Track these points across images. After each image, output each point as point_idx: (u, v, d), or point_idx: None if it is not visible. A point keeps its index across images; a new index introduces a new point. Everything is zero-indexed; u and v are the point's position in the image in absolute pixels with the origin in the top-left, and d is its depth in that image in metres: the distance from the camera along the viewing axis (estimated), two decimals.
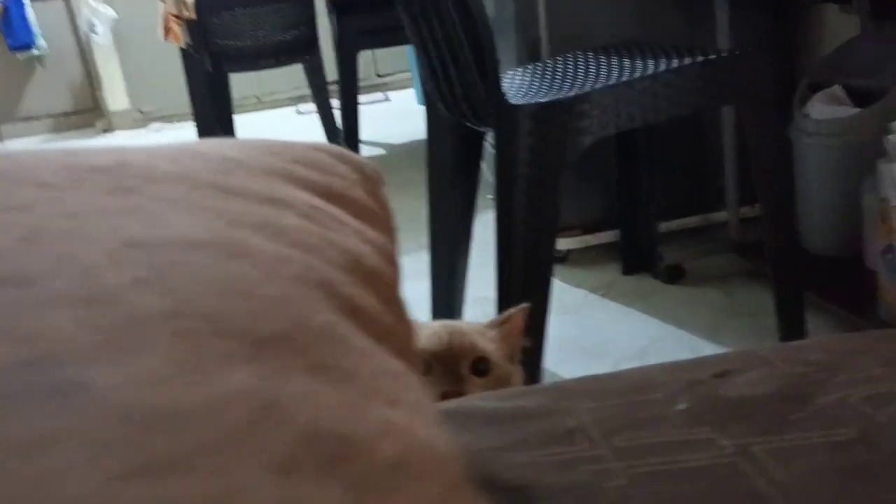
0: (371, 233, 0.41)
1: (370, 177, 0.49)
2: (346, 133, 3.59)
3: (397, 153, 3.74)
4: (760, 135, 1.64)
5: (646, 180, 2.26)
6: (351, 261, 0.36)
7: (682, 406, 0.54)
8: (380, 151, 3.78)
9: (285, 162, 0.42)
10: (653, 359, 1.89)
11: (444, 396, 0.89)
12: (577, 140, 1.55)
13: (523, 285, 1.66)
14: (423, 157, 2.09)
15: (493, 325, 1.00)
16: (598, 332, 2.06)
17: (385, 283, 0.38)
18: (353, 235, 0.38)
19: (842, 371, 0.56)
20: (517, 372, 1.00)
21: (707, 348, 1.92)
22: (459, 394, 0.89)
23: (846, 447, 0.49)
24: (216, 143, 0.43)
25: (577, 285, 2.26)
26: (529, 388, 0.62)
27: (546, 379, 1.71)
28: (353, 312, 0.33)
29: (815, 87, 2.03)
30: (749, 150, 1.67)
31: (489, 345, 0.95)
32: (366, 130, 3.72)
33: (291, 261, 0.32)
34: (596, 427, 0.53)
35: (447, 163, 2.04)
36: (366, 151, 3.70)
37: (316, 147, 0.47)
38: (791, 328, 1.79)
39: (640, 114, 1.57)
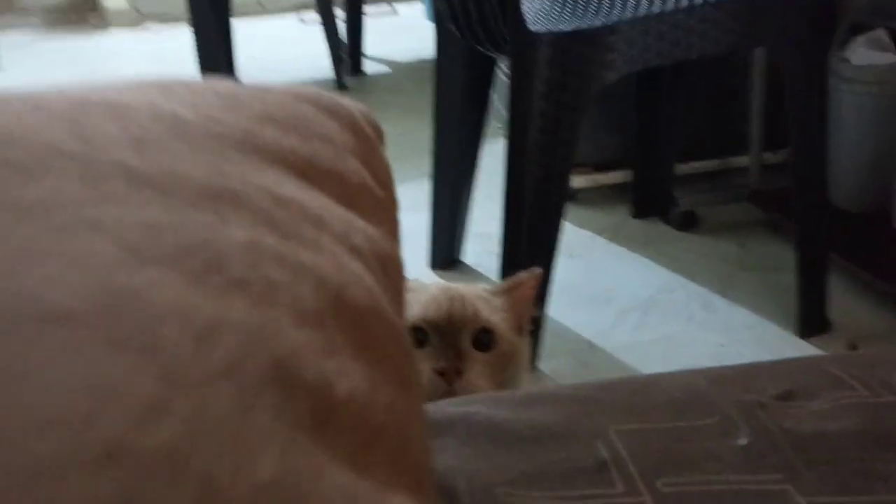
0: (365, 231, 0.29)
1: (367, 136, 0.37)
2: (349, 47, 3.42)
3: (403, 72, 3.56)
4: (798, 78, 1.51)
5: (666, 118, 2.12)
6: (331, 299, 0.24)
7: (742, 441, 0.44)
8: (384, 69, 3.60)
9: (252, 120, 0.30)
10: (659, 310, 1.80)
11: (441, 374, 0.79)
12: (600, 75, 1.41)
13: (531, 228, 1.54)
14: (428, 77, 1.94)
15: (499, 291, 0.88)
16: (603, 277, 1.95)
17: (380, 318, 0.27)
18: (336, 246, 0.27)
19: None
20: (524, 345, 0.88)
21: (717, 303, 1.82)
22: (458, 371, 0.79)
23: None
24: (157, 88, 0.30)
25: (584, 227, 2.15)
26: (546, 394, 0.51)
27: (547, 327, 1.62)
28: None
29: (856, 30, 1.88)
30: (786, 94, 1.54)
31: (494, 314, 0.84)
32: (371, 45, 3.54)
33: (222, 331, 0.20)
34: (633, 461, 0.43)
35: (456, 88, 1.89)
36: (370, 68, 3.53)
37: (297, 94, 0.35)
38: (811, 289, 1.68)
39: (670, 50, 1.43)
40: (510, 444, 0.45)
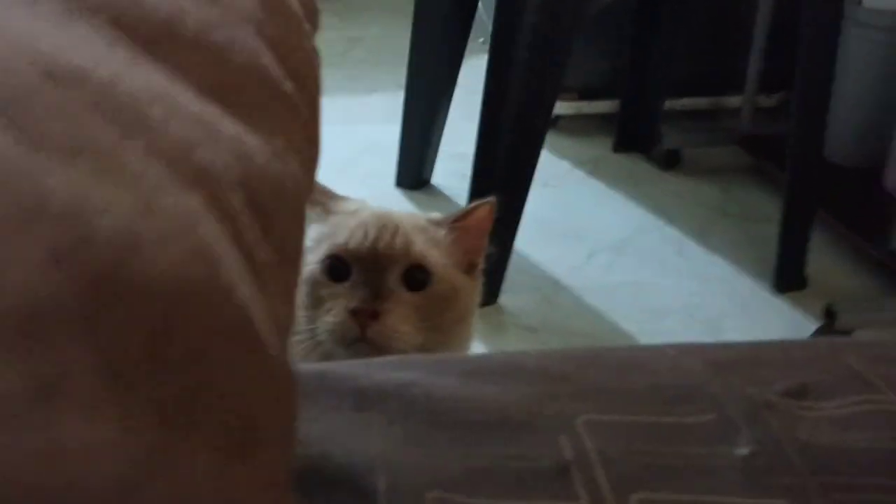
0: (234, 141, 0.19)
1: (286, 8, 0.26)
2: None
3: None
4: (813, 15, 1.39)
5: (661, 49, 1.99)
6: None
7: (742, 450, 0.35)
8: None
9: None
10: (632, 252, 1.71)
11: (354, 315, 0.66)
12: None
13: (507, 153, 1.44)
14: None
15: (444, 221, 0.75)
16: (577, 213, 1.86)
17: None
18: (149, 166, 0.16)
19: None
20: (471, 288, 0.75)
21: (693, 249, 1.74)
22: (374, 314, 0.66)
23: None
24: None
25: (563, 156, 2.04)
26: (506, 363, 0.41)
27: (512, 260, 1.53)
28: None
29: None
30: (799, 31, 1.42)
31: (433, 249, 0.71)
32: None
33: None
34: (604, 466, 0.34)
35: None
36: None
37: None
38: (792, 242, 1.61)
39: None
40: (453, 429, 0.36)
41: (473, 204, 0.75)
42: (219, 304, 0.16)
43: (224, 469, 0.15)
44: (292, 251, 0.22)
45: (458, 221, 0.74)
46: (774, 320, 1.55)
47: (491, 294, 1.49)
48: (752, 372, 0.40)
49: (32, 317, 0.14)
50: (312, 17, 0.30)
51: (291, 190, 0.22)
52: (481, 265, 0.77)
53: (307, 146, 0.24)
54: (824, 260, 1.69)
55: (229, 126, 0.19)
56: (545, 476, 0.33)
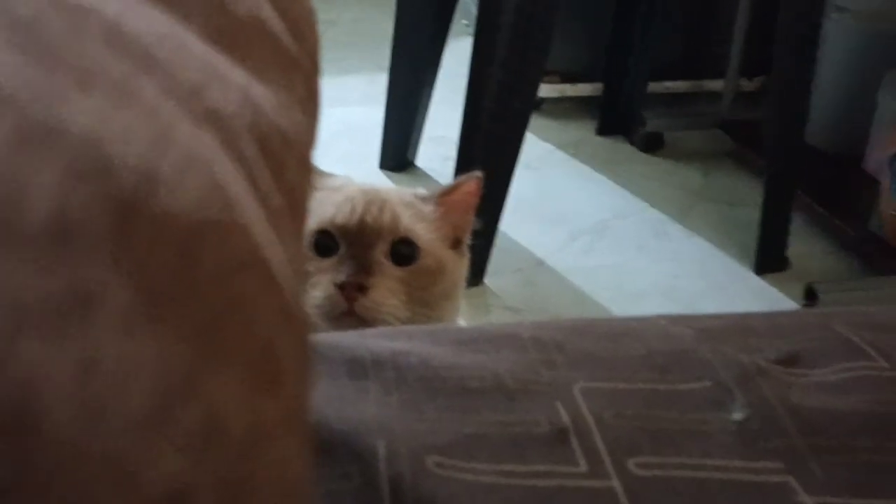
0: (243, 90, 0.18)
1: None
2: None
3: None
4: (797, 3, 1.40)
5: (642, 32, 2.00)
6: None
7: (736, 415, 0.35)
8: None
9: None
10: (613, 234, 1.72)
11: (342, 289, 0.66)
12: None
13: (491, 135, 1.43)
14: None
15: (431, 197, 0.74)
16: (558, 195, 1.86)
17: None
18: (170, 105, 0.16)
19: None
20: (459, 261, 0.75)
21: (674, 231, 1.75)
22: (361, 287, 0.66)
23: None
24: None
25: (545, 139, 2.04)
26: (500, 333, 0.41)
27: (496, 242, 1.53)
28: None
29: None
30: (779, 13, 1.43)
31: (420, 223, 0.71)
32: None
33: None
34: (601, 431, 0.34)
35: None
36: None
37: None
38: (772, 225, 1.62)
39: None
40: (449, 396, 0.36)
41: (460, 179, 0.75)
42: (237, 239, 0.16)
43: (252, 400, 0.15)
44: (301, 203, 0.22)
45: (445, 196, 0.74)
46: (755, 302, 1.56)
47: (476, 275, 1.49)
48: (743, 340, 0.40)
49: (66, 229, 0.13)
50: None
51: (298, 142, 0.21)
52: (468, 241, 0.77)
53: (309, 100, 0.24)
54: (805, 241, 1.70)
55: (236, 73, 0.19)
56: (543, 441, 0.33)
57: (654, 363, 0.39)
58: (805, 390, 0.37)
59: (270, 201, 0.18)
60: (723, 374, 0.38)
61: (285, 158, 0.20)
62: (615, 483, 0.32)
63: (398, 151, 1.88)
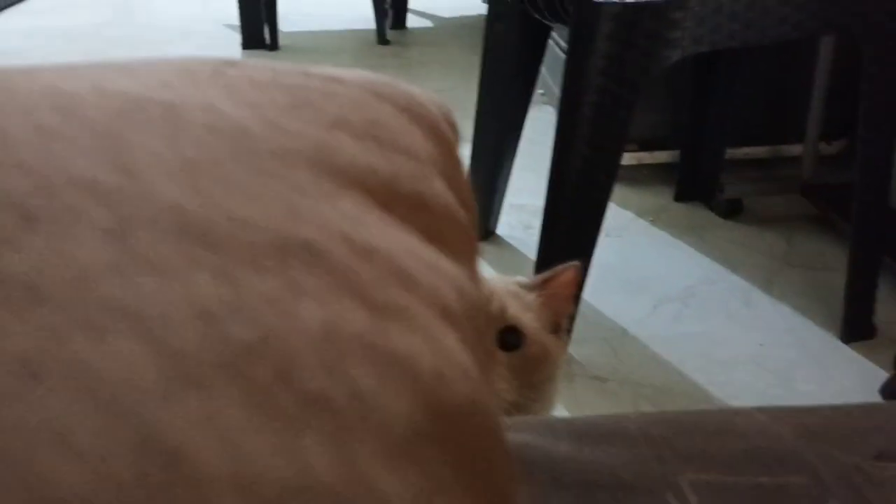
0: (453, 280, 0.23)
1: (448, 144, 0.31)
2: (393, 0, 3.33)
3: (445, 27, 3.46)
4: (876, 62, 1.41)
5: (720, 98, 2.03)
6: (426, 407, 0.19)
7: None
8: (426, 24, 3.51)
9: (324, 128, 0.23)
10: (698, 302, 1.73)
11: None
12: (663, 53, 1.33)
13: (574, 207, 1.48)
14: (472, 34, 1.87)
15: (533, 285, 0.78)
16: (641, 262, 1.89)
17: (481, 420, 0.21)
18: (428, 315, 0.21)
19: None
20: (559, 347, 0.79)
21: (759, 299, 1.76)
22: None
23: None
24: (214, 78, 0.24)
25: (625, 207, 2.08)
26: (611, 428, 0.45)
27: (580, 311, 1.56)
28: None
29: None
30: (862, 77, 1.44)
31: (525, 312, 0.75)
32: None
33: None
34: None
35: (506, 55, 1.82)
36: (412, 22, 3.44)
37: (374, 88, 0.28)
38: (859, 291, 1.61)
39: (741, 32, 1.35)
40: (574, 488, 0.40)
41: (560, 268, 0.80)
42: (490, 427, 0.21)
43: None
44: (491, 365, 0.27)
45: (545, 284, 0.79)
46: (845, 370, 1.55)
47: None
48: (840, 437, 0.43)
49: (409, 439, 0.18)
50: (458, 138, 0.35)
51: (488, 310, 0.26)
52: (566, 325, 0.81)
53: (476, 263, 0.29)
54: (892, 308, 1.68)
55: (446, 263, 0.24)
56: None
57: (755, 458, 0.42)
58: None
59: (488, 374, 0.23)
60: (822, 471, 0.41)
61: (487, 330, 0.25)
62: None
63: (481, 221, 1.94)
